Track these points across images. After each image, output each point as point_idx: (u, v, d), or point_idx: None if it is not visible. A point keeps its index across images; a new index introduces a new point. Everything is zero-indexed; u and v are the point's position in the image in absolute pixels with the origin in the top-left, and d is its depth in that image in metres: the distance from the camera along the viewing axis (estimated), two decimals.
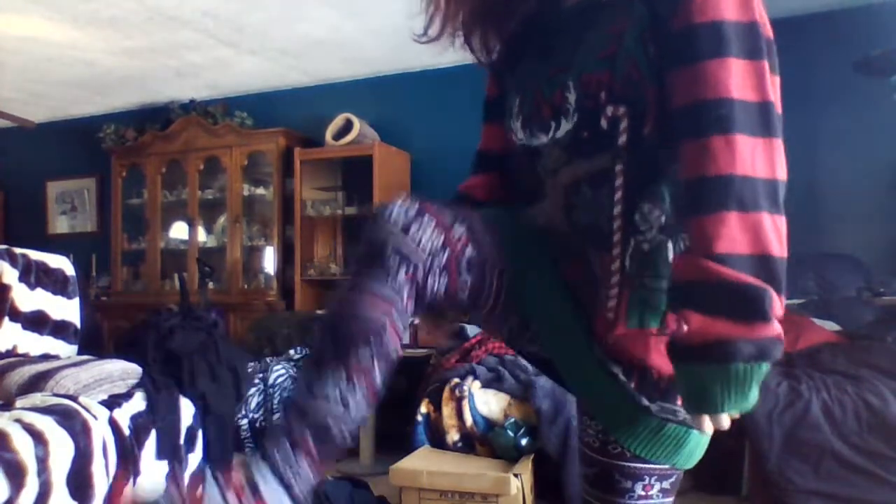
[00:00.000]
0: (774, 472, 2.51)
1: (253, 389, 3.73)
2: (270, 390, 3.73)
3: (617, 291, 0.91)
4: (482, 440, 2.69)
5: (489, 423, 2.70)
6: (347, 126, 4.76)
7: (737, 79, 0.81)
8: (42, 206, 6.48)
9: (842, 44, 3.95)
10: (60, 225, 6.45)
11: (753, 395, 0.81)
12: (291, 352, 3.88)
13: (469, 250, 0.90)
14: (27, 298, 2.39)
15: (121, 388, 2.13)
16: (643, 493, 0.96)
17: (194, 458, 2.22)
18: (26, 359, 2.26)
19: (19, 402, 1.87)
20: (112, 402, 2.02)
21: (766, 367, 0.80)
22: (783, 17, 4.16)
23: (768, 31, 0.85)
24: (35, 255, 2.51)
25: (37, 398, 1.90)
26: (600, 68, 0.90)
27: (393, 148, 4.91)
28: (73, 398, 1.92)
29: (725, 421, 0.83)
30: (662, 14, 0.85)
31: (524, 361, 2.95)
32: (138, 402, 2.08)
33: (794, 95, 4.21)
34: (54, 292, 2.49)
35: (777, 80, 0.86)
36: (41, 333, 2.41)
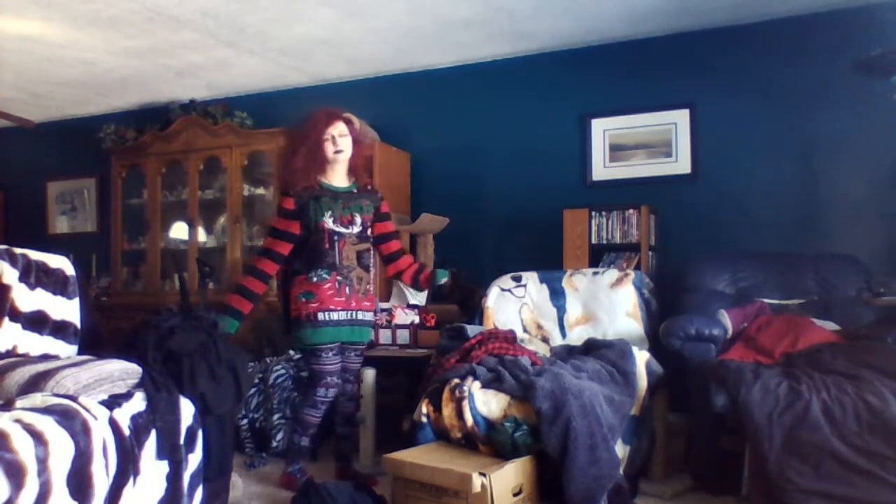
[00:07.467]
0: (774, 472, 2.51)
1: (253, 389, 3.73)
2: (270, 390, 3.73)
3: (371, 283, 3.23)
4: (485, 440, 2.69)
5: (489, 424, 2.69)
6: None
7: (393, 225, 3.41)
8: (42, 206, 6.48)
9: (842, 44, 3.96)
10: (60, 225, 6.45)
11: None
12: (291, 352, 3.88)
13: None
14: (27, 298, 2.38)
15: (121, 388, 2.13)
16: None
17: (194, 458, 2.21)
18: (26, 359, 2.26)
19: (19, 402, 1.87)
20: (112, 402, 2.01)
21: None
22: (783, 17, 4.17)
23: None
24: (35, 255, 2.51)
25: (37, 398, 1.90)
26: (366, 213, 3.18)
27: (393, 148, 4.91)
28: (73, 398, 1.92)
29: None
30: (378, 206, 3.25)
31: (524, 362, 2.96)
32: (138, 402, 2.08)
33: (795, 95, 4.23)
34: (54, 292, 2.49)
35: None
36: (41, 333, 2.41)
